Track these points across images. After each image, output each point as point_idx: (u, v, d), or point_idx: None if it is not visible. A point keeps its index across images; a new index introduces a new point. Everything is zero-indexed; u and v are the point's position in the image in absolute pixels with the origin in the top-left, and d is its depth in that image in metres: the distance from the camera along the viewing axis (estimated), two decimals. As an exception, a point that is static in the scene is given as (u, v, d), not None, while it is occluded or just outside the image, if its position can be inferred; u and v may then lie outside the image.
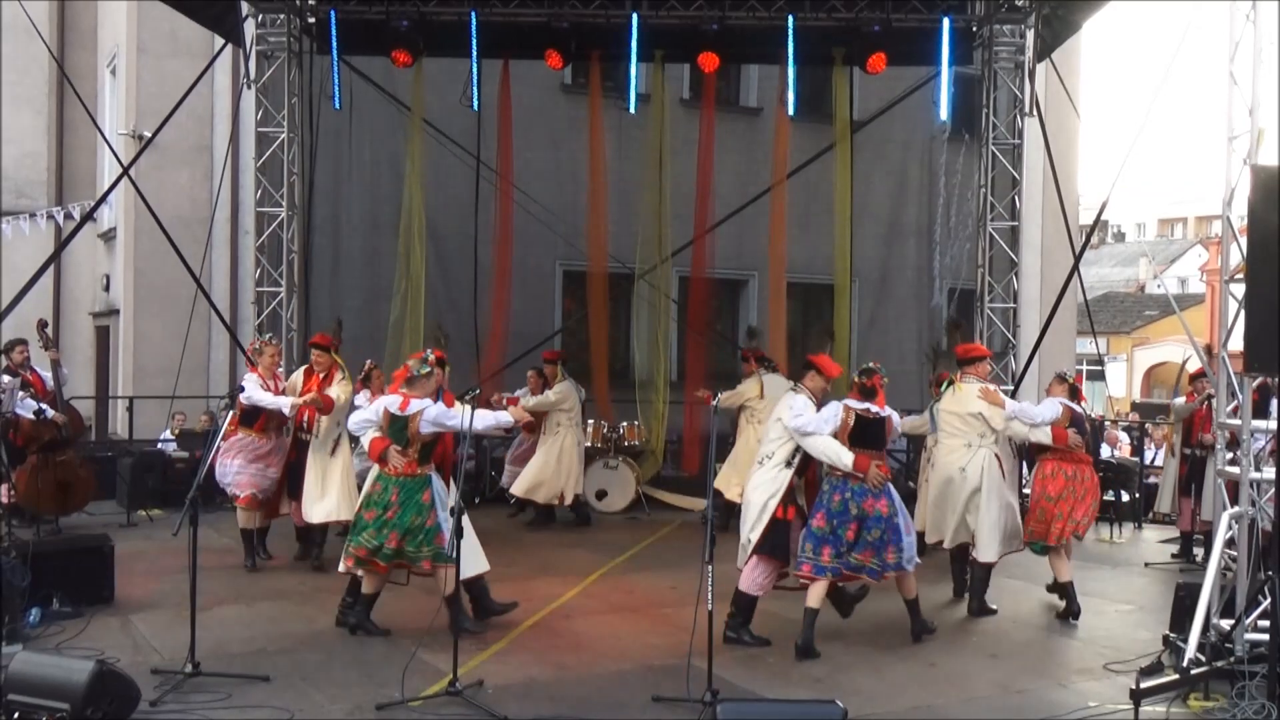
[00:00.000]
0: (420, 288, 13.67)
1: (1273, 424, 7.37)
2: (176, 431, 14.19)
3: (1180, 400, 11.84)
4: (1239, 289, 7.15)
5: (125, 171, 12.91)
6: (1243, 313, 7.02)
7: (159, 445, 13.85)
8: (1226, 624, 7.03)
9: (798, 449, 7.64)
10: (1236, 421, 7.39)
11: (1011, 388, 12.88)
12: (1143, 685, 6.52)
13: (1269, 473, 7.18)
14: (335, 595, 8.89)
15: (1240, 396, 7.38)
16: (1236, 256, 7.34)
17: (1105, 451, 15.51)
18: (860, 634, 8.08)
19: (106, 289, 18.06)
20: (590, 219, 14.31)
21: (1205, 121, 67.49)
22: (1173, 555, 11.60)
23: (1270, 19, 7.20)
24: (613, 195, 14.30)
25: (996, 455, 8.73)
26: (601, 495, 13.24)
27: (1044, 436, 8.60)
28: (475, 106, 13.19)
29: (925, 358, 13.99)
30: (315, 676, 6.83)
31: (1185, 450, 11.40)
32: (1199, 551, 11.13)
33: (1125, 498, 13.51)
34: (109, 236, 17.84)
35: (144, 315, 15.83)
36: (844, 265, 14.36)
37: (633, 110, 13.34)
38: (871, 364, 7.91)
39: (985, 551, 8.68)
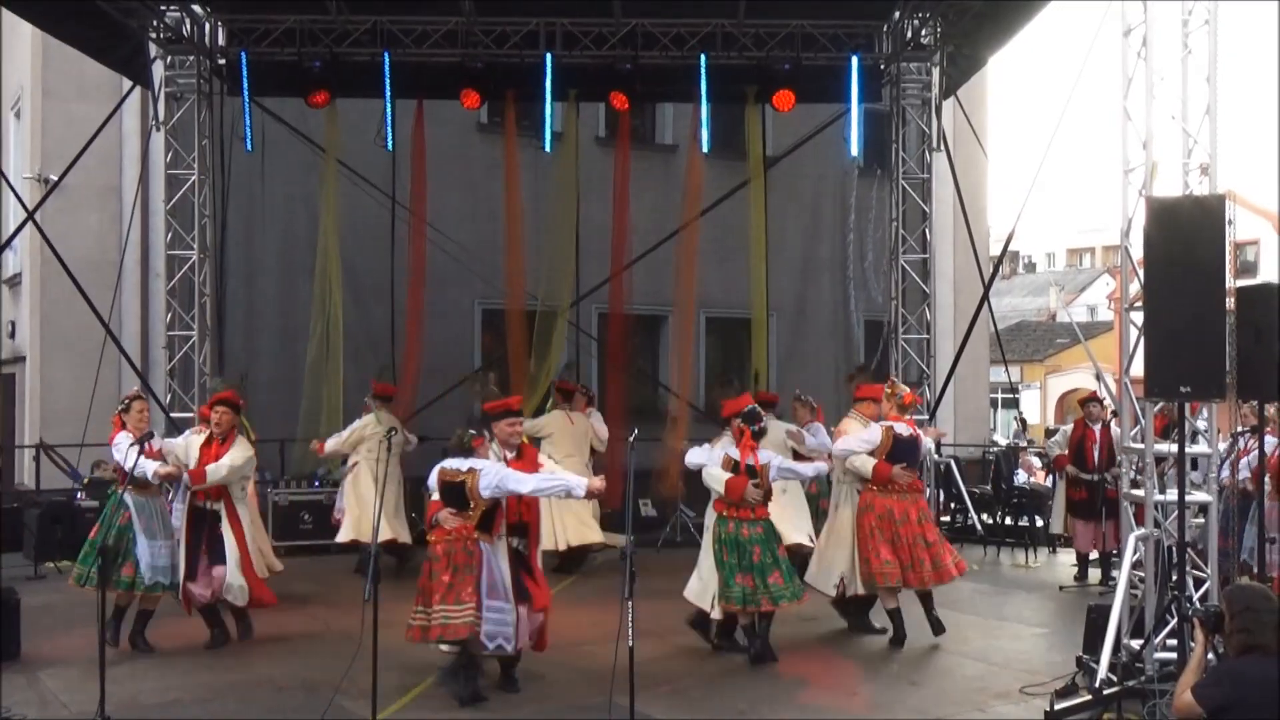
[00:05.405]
0: (339, 329, 13.52)
1: (1174, 447, 7.57)
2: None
3: (1067, 428, 12.36)
4: (1139, 316, 7.35)
5: (30, 216, 12.65)
6: (1142, 340, 7.23)
7: (72, 494, 13.42)
8: (1137, 644, 7.19)
9: None
10: (1140, 445, 7.59)
11: (926, 417, 13.02)
12: (1057, 707, 6.67)
13: (1172, 495, 7.37)
14: (251, 645, 8.74)
15: (1143, 421, 7.58)
16: (1136, 285, 7.56)
17: (1020, 477, 15.80)
18: (783, 665, 8.12)
19: (12, 335, 17.60)
20: (508, 257, 14.26)
21: (1107, 153, 69.57)
22: (1075, 578, 11.83)
23: (1160, 55, 7.45)
24: (530, 233, 14.27)
25: (858, 489, 9.04)
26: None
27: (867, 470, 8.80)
28: (390, 146, 13.13)
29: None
30: (230, 728, 6.70)
31: (1085, 475, 11.66)
32: (1096, 573, 11.52)
33: (1039, 523, 13.75)
34: (14, 283, 17.41)
35: (51, 362, 15.41)
36: (760, 299, 14.46)
37: (548, 149, 13.39)
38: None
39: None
